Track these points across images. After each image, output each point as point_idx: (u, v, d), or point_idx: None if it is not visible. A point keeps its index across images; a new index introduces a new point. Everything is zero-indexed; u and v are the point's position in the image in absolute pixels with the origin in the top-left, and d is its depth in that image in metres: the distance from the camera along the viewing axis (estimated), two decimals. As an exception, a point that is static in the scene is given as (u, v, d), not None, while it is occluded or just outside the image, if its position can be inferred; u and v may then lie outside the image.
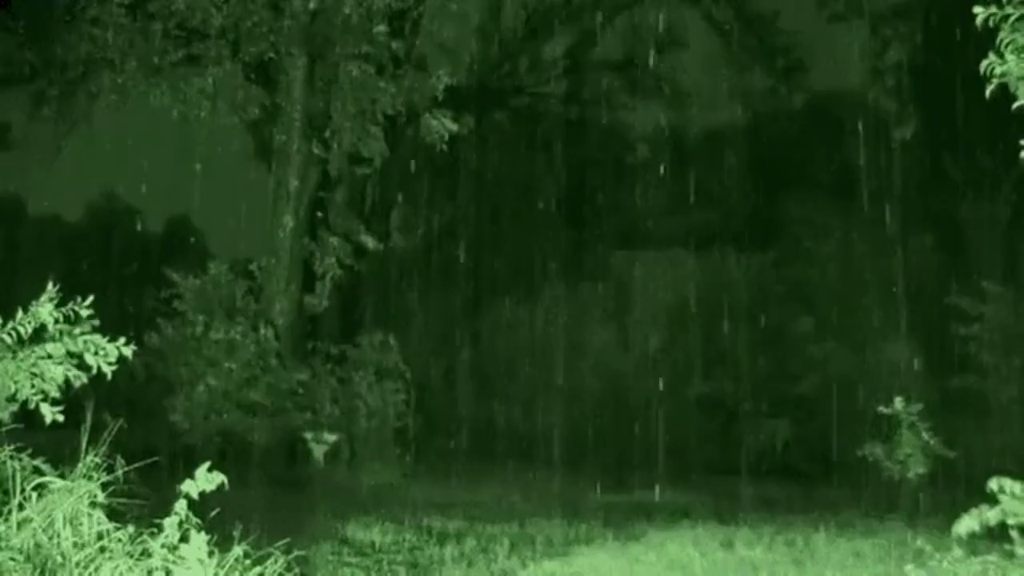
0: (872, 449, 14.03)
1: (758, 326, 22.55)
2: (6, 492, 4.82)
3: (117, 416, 5.72)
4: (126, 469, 5.23)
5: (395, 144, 19.26)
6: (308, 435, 16.53)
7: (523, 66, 25.59)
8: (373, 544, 8.81)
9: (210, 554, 4.61)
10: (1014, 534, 4.52)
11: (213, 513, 4.85)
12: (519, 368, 23.90)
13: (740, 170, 25.21)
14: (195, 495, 4.66)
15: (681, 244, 24.88)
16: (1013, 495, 4.43)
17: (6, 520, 4.69)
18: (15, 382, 4.97)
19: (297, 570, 5.29)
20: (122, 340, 5.22)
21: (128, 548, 4.75)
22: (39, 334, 5.11)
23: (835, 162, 24.26)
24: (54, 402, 5.03)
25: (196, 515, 4.68)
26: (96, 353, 5.13)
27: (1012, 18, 4.88)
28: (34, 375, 5.02)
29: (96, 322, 5.19)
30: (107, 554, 4.71)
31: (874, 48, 23.11)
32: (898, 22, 22.33)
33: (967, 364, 18.40)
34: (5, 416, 5.03)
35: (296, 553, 5.30)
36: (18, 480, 4.85)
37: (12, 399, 5.01)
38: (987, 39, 4.95)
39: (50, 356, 5.06)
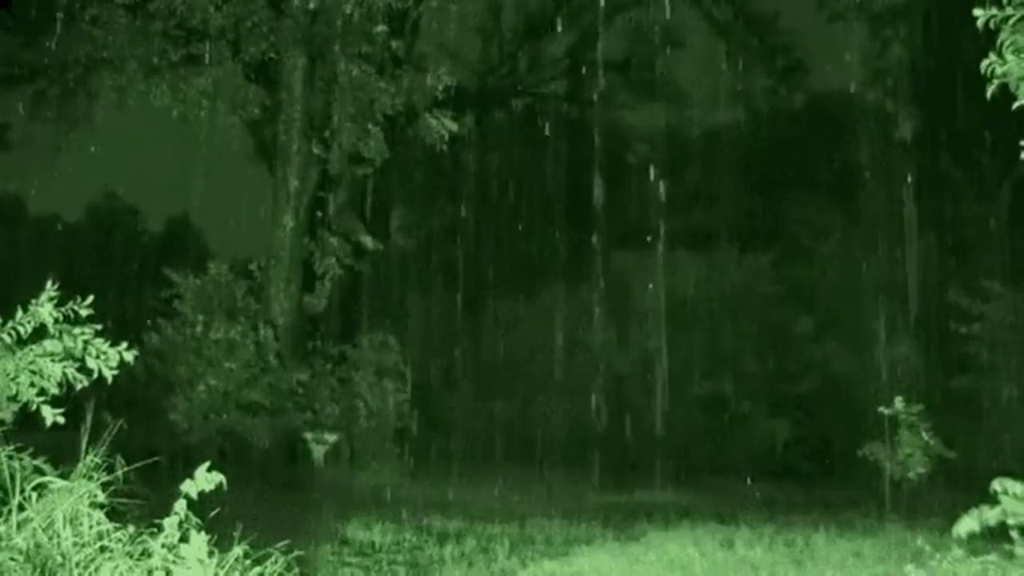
0: (872, 449, 14.03)
1: (758, 326, 22.56)
2: (6, 492, 4.81)
3: (117, 416, 5.72)
4: (126, 469, 5.22)
5: (395, 144, 19.25)
6: (308, 435, 16.52)
7: (523, 66, 25.58)
8: (373, 544, 8.80)
9: (210, 554, 4.60)
10: (1014, 534, 4.52)
11: (213, 513, 4.85)
12: (519, 368, 23.89)
13: (740, 170, 25.22)
14: (195, 495, 4.66)
15: (681, 244, 24.88)
16: (1014, 495, 4.43)
17: (6, 520, 4.69)
18: (16, 383, 4.96)
19: (297, 570, 5.28)
20: (124, 344, 5.21)
21: (128, 548, 4.74)
22: (39, 334, 5.09)
23: (835, 162, 24.28)
24: (55, 403, 5.02)
25: (196, 515, 4.67)
26: (97, 357, 5.12)
27: (1012, 20, 4.89)
28: (33, 372, 5.01)
29: (98, 326, 5.18)
30: (107, 554, 4.71)
31: (874, 48, 23.11)
32: (898, 22, 22.33)
33: (967, 364, 18.39)
34: (6, 416, 5.02)
35: (296, 553, 5.29)
36: (18, 480, 4.84)
37: (13, 399, 5.00)
38: (987, 39, 4.96)
39: (49, 354, 5.05)
